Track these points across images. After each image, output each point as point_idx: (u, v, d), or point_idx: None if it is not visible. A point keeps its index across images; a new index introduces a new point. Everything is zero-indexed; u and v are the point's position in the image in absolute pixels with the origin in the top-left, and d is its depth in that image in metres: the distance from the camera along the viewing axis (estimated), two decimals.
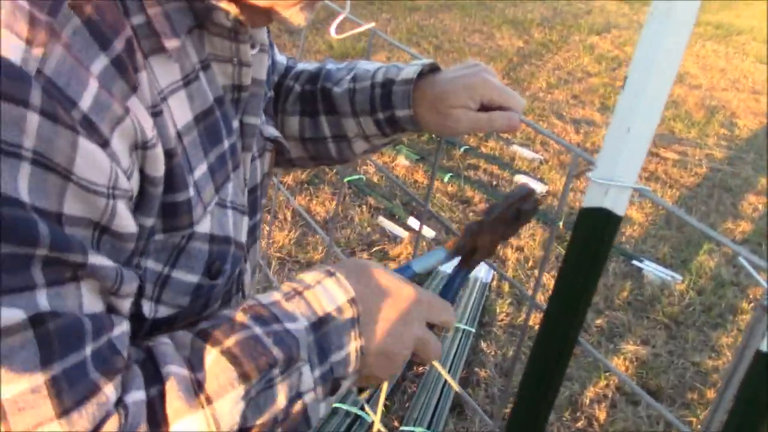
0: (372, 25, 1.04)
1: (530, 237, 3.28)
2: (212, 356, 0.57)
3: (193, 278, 0.67)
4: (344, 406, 2.06)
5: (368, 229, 3.12)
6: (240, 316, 0.61)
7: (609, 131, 0.57)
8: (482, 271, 2.90)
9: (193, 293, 0.68)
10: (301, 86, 0.97)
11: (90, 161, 0.50)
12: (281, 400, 0.59)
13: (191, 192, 0.63)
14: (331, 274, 0.65)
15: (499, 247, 2.40)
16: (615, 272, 3.15)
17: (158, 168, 0.58)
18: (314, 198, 3.26)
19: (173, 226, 0.63)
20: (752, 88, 6.95)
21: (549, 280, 2.98)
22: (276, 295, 0.64)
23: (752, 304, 3.11)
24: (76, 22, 0.50)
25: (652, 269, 3.21)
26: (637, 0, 10.65)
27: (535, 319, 2.72)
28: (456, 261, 0.85)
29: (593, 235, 0.59)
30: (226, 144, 0.70)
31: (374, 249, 2.98)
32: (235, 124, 0.73)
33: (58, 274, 0.49)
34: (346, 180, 3.31)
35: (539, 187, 3.81)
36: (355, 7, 6.87)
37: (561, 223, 3.43)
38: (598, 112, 5.25)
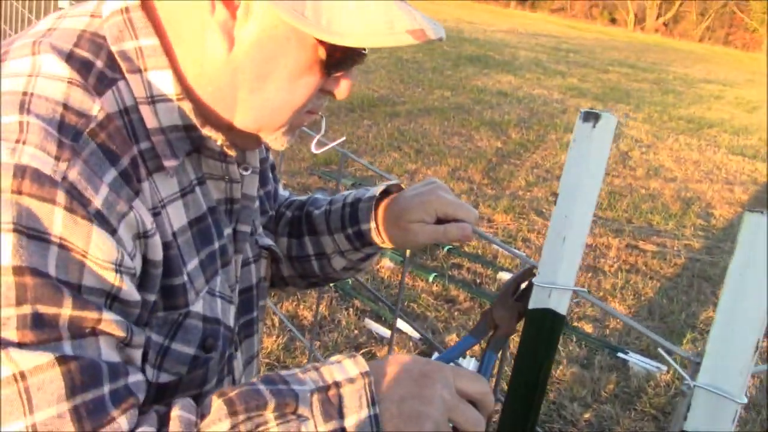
0: (343, 139, 1.17)
1: (516, 333, 3.33)
2: (216, 403, 0.68)
3: (190, 350, 0.78)
4: None
5: (355, 331, 3.16)
6: (254, 379, 0.71)
7: (546, 242, 0.65)
8: (471, 368, 2.94)
9: (191, 364, 0.79)
10: (291, 212, 1.11)
11: (102, 245, 0.63)
12: None
13: (185, 278, 0.77)
14: (352, 356, 0.73)
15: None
16: (600, 365, 3.19)
17: (157, 253, 0.72)
18: (301, 303, 3.31)
19: (172, 305, 0.76)
20: (725, 179, 7.16)
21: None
22: (295, 369, 0.73)
23: None
24: (92, 146, 0.66)
25: (636, 361, 3.26)
26: (610, 98, 11.06)
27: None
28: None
29: (541, 333, 0.66)
30: (216, 245, 0.83)
31: (362, 351, 3.01)
32: (228, 231, 0.87)
33: (79, 329, 0.62)
34: (331, 283, 3.37)
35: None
36: (338, 114, 7.11)
37: None
38: None
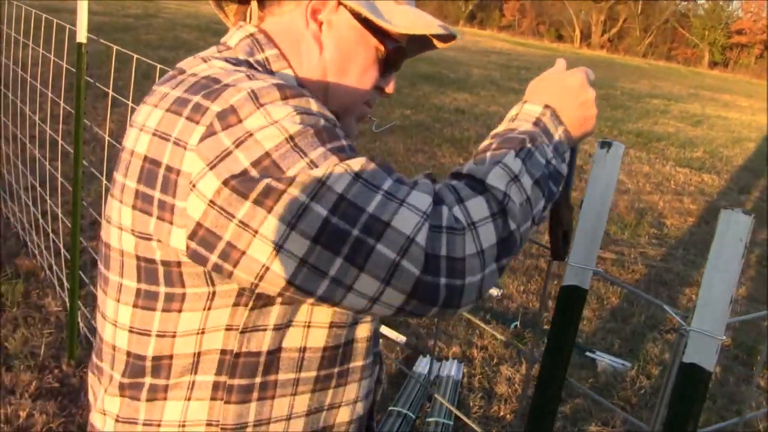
0: (396, 122, 1.40)
1: (492, 337, 3.58)
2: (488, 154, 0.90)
3: None
4: None
5: None
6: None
7: (577, 236, 0.89)
8: (453, 370, 3.17)
9: None
10: None
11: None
12: (541, 160, 0.89)
13: None
14: (523, 102, 0.98)
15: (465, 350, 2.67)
16: (570, 363, 3.46)
17: None
18: None
19: None
20: (675, 190, 7.56)
21: (513, 373, 3.27)
22: (501, 127, 0.96)
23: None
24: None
25: (604, 359, 3.53)
26: None
27: (505, 410, 2.99)
28: None
29: (569, 305, 0.89)
30: None
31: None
32: None
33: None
34: None
35: (495, 292, 4.14)
36: None
37: (518, 323, 3.75)
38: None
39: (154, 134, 0.86)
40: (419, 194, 0.81)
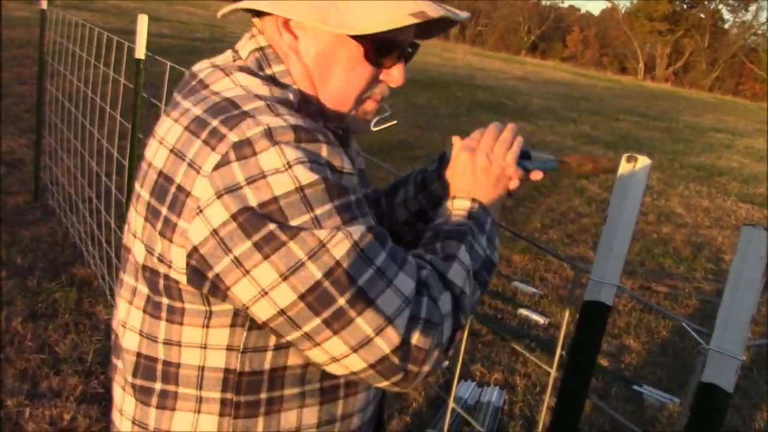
0: (395, 122, 1.36)
1: (536, 365, 3.53)
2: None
3: None
4: None
5: None
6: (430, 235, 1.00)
7: (599, 250, 0.88)
8: (494, 396, 3.14)
9: None
10: None
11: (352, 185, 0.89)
12: (480, 252, 0.96)
13: None
14: (452, 198, 1.03)
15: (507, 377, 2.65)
16: (616, 396, 3.38)
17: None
18: None
19: None
20: (735, 225, 7.37)
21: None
22: (439, 220, 1.02)
23: (746, 425, 3.32)
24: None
25: (650, 393, 3.44)
26: (622, 146, 11.31)
27: None
28: None
29: (593, 320, 0.88)
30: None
31: None
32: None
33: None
34: None
35: (541, 320, 4.08)
36: None
37: (564, 352, 3.68)
38: (591, 251, 5.60)
39: (171, 151, 0.88)
40: (405, 278, 0.86)
